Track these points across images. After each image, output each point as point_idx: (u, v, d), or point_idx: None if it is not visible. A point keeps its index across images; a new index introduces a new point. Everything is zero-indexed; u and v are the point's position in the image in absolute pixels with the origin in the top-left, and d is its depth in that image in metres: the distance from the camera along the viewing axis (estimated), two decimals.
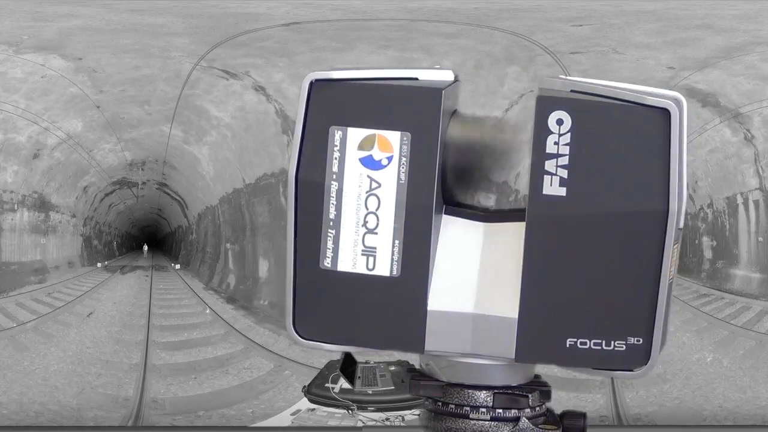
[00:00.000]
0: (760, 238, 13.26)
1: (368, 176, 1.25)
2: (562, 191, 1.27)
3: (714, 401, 8.63)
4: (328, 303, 1.26)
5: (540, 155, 1.27)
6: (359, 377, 2.88)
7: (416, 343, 1.26)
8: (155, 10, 9.57)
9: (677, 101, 1.33)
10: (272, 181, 13.22)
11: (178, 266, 18.62)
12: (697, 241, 16.10)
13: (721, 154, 13.61)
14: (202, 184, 15.75)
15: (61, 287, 14.52)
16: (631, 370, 1.32)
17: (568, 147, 1.27)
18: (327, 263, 1.28)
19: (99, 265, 17.53)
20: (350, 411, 2.76)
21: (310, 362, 10.12)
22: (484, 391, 1.29)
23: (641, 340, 1.32)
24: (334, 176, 1.28)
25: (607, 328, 1.30)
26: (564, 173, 1.27)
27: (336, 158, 1.28)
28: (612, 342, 1.30)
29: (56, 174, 14.02)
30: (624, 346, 1.31)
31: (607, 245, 1.29)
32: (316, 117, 1.32)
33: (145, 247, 21.95)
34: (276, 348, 11.08)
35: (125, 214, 19.43)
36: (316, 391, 2.84)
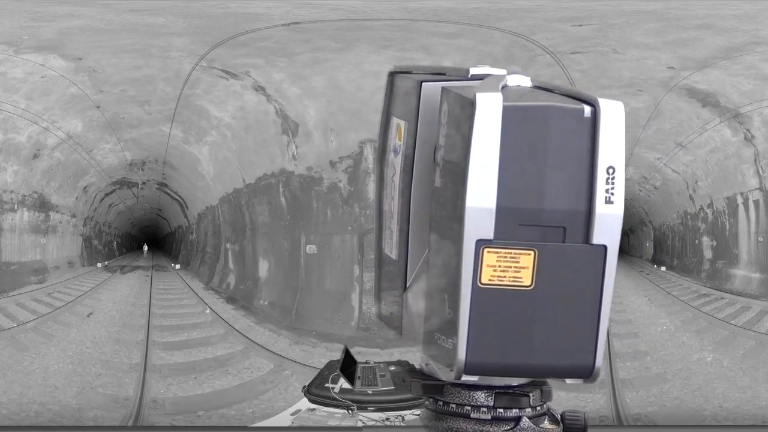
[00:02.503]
0: (760, 238, 13.27)
1: None
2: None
3: (714, 401, 8.63)
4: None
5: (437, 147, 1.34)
6: (359, 377, 2.88)
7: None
8: (155, 10, 9.56)
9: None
10: (272, 181, 13.21)
11: (178, 266, 18.62)
12: (697, 241, 16.10)
13: (721, 154, 13.61)
14: (202, 184, 15.75)
15: (61, 287, 14.53)
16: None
17: (445, 138, 1.33)
18: None
19: (99, 265, 17.54)
20: (350, 411, 2.75)
21: (310, 362, 10.13)
22: (485, 391, 1.29)
23: None
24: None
25: None
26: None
27: None
28: None
29: (56, 174, 14.03)
30: None
31: None
32: None
33: (145, 247, 21.97)
34: (276, 348, 11.08)
35: (125, 214, 19.44)
36: (316, 391, 2.84)
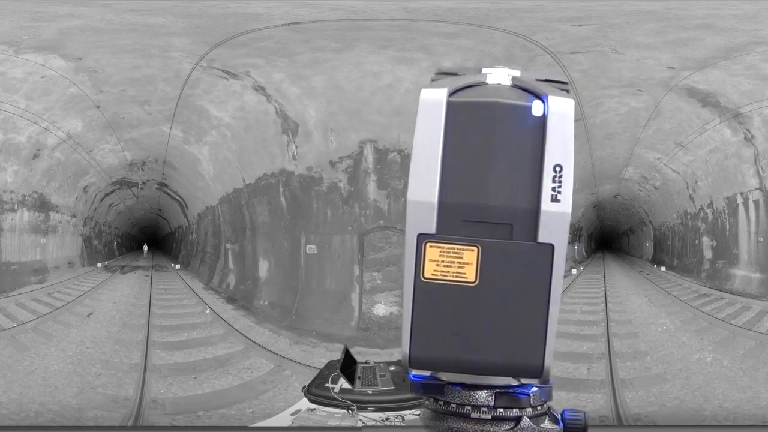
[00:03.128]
0: (760, 238, 13.27)
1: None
2: None
3: (714, 401, 8.63)
4: None
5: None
6: (359, 377, 2.88)
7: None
8: (155, 10, 9.56)
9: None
10: (272, 181, 13.21)
11: (178, 266, 18.63)
12: (697, 241, 16.10)
13: (721, 154, 13.61)
14: (202, 184, 15.75)
15: (61, 287, 14.53)
16: None
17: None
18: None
19: (99, 265, 17.54)
20: (350, 411, 2.75)
21: (310, 362, 10.13)
22: (486, 391, 1.29)
23: None
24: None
25: None
26: None
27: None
28: None
29: (56, 174, 14.03)
30: None
31: None
32: None
33: (145, 247, 21.98)
34: (276, 348, 11.08)
35: (125, 214, 19.45)
36: (316, 391, 2.84)
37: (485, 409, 1.30)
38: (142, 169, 15.21)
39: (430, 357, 1.26)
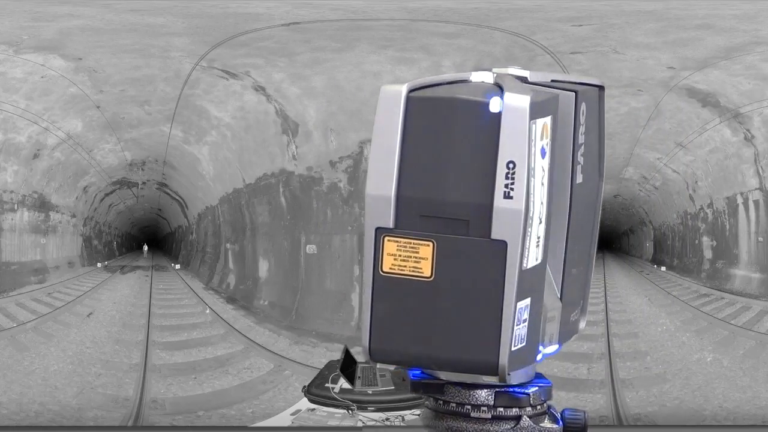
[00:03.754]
0: (760, 238, 13.27)
1: (542, 166, 1.26)
2: (581, 178, 1.33)
3: (714, 401, 8.63)
4: None
5: (576, 147, 1.32)
6: (359, 377, 2.88)
7: (537, 351, 1.30)
8: (155, 10, 9.56)
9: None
10: (272, 181, 13.21)
11: (178, 266, 18.63)
12: (697, 241, 16.10)
13: (721, 154, 13.61)
14: (202, 184, 15.76)
15: (61, 287, 14.53)
16: (579, 328, 1.42)
17: (584, 136, 1.33)
18: (525, 264, 1.25)
19: (99, 265, 17.54)
20: (350, 411, 2.76)
21: (310, 362, 10.13)
22: (485, 390, 1.29)
23: (582, 299, 1.42)
24: (532, 172, 1.24)
25: (577, 297, 1.41)
26: (581, 160, 1.33)
27: (532, 154, 1.26)
28: (577, 307, 1.41)
29: (56, 174, 14.03)
30: (578, 310, 1.41)
31: (586, 220, 1.38)
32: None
33: (145, 247, 21.97)
34: (276, 348, 11.08)
35: (125, 214, 19.44)
36: (316, 391, 2.84)
37: (485, 408, 1.30)
38: (142, 169, 15.21)
39: (390, 350, 1.27)
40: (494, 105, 1.21)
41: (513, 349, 1.24)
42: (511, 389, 1.31)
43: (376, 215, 1.24)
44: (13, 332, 10.90)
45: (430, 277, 1.23)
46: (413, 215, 1.23)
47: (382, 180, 1.24)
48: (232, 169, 13.87)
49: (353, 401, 2.83)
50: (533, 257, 1.25)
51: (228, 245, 15.33)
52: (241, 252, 14.69)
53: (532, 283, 1.25)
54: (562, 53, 10.26)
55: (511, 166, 1.20)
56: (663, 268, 18.44)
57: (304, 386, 2.97)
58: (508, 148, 1.20)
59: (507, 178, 1.20)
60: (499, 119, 1.21)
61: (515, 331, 1.24)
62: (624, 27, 9.82)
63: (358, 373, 2.90)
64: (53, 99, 11.77)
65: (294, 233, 12.62)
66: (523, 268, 1.23)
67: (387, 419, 2.70)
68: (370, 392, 2.81)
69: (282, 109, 11.76)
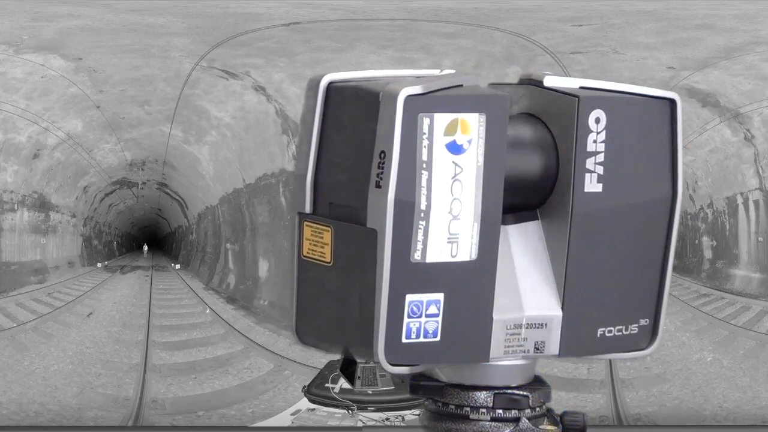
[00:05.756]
0: (760, 238, 13.26)
1: (453, 162, 1.27)
2: (599, 187, 1.31)
3: (714, 401, 8.63)
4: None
5: (582, 154, 1.30)
6: (359, 377, 2.88)
7: (483, 353, 1.28)
8: (155, 10, 9.57)
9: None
10: (272, 181, 13.22)
11: (178, 266, 18.62)
12: (697, 241, 16.09)
13: (721, 154, 13.61)
14: (202, 184, 15.75)
15: (61, 287, 14.52)
16: (641, 350, 1.36)
17: (603, 144, 1.31)
18: (417, 256, 1.25)
19: (99, 265, 17.53)
20: (350, 411, 2.76)
21: (310, 362, 10.12)
22: (484, 392, 1.29)
23: (648, 320, 1.37)
24: (424, 165, 1.26)
25: (626, 314, 1.35)
26: (600, 170, 1.31)
27: (425, 146, 1.26)
28: (629, 326, 1.35)
29: (56, 174, 14.03)
30: (636, 329, 1.35)
31: (631, 235, 1.35)
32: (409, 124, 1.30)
33: (145, 247, 21.95)
34: (276, 348, 11.07)
35: (125, 214, 19.43)
36: (316, 391, 2.84)
37: (484, 410, 1.30)
38: (142, 169, 15.20)
39: (311, 334, 1.30)
40: (384, 95, 1.23)
41: (406, 341, 1.23)
42: (510, 391, 1.31)
43: (299, 200, 1.28)
44: (13, 332, 10.90)
45: (330, 262, 1.26)
46: (325, 202, 1.26)
47: (303, 166, 1.27)
48: (232, 169, 13.87)
49: (353, 401, 2.83)
50: (436, 252, 1.24)
51: (228, 245, 15.33)
52: (241, 252, 14.70)
53: (438, 278, 1.24)
54: (562, 53, 10.26)
55: (382, 155, 1.21)
56: None
57: (304, 386, 2.97)
58: (380, 138, 1.21)
59: (378, 167, 1.21)
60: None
61: (409, 324, 1.23)
62: (624, 27, 9.83)
63: (358, 373, 2.90)
64: (53, 99, 11.78)
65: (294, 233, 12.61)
66: (412, 260, 1.23)
67: (387, 419, 2.70)
68: (370, 392, 2.81)
69: (282, 109, 11.76)
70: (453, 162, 1.25)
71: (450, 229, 1.24)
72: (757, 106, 11.73)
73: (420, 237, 1.23)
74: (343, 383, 2.89)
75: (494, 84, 1.32)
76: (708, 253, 15.56)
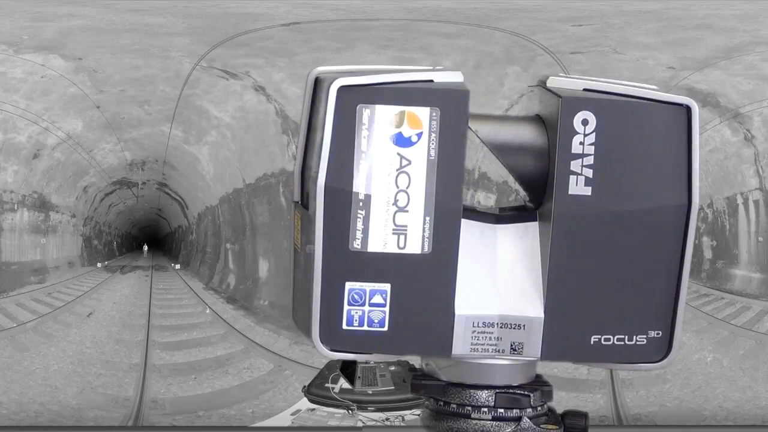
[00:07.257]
0: (760, 238, 13.26)
1: (398, 153, 1.29)
2: (587, 190, 1.29)
3: (714, 401, 8.64)
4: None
5: (565, 156, 1.29)
6: (359, 377, 2.88)
7: (444, 348, 1.27)
8: (155, 10, 9.57)
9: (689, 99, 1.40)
10: (272, 181, 13.21)
11: (178, 266, 18.62)
12: (697, 241, 16.09)
13: (721, 154, 13.61)
14: (202, 184, 15.75)
15: (61, 287, 14.51)
16: (653, 362, 1.35)
17: (593, 147, 1.29)
18: (357, 245, 1.26)
19: (99, 265, 17.52)
20: (350, 411, 2.76)
21: (310, 362, 10.12)
22: (486, 391, 1.29)
23: (661, 332, 1.34)
24: (363, 155, 1.26)
25: (629, 323, 1.32)
26: (589, 173, 1.29)
27: (364, 137, 1.30)
28: (634, 336, 1.32)
29: (56, 174, 14.02)
30: (645, 340, 1.33)
31: (631, 241, 1.31)
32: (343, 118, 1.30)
33: (145, 247, 21.95)
34: (276, 348, 11.07)
35: (125, 214, 19.44)
36: (316, 391, 2.85)
37: (485, 409, 1.30)
38: (142, 169, 15.21)
39: (299, 320, 1.35)
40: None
41: (347, 328, 1.25)
42: (512, 390, 1.31)
43: (295, 190, 1.34)
44: (13, 332, 10.91)
45: (300, 248, 1.32)
46: (307, 191, 1.30)
47: (298, 157, 1.32)
48: (232, 169, 13.88)
49: (353, 401, 2.83)
50: (379, 242, 1.25)
51: (228, 245, 15.34)
52: (241, 252, 14.70)
53: (383, 269, 1.25)
54: (562, 53, 10.26)
55: (319, 143, 1.25)
56: None
57: (304, 386, 2.98)
58: (319, 128, 1.25)
59: (317, 155, 1.25)
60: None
61: (351, 312, 1.25)
62: (624, 27, 9.83)
63: (358, 373, 2.90)
64: (53, 99, 11.78)
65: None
66: (351, 249, 1.24)
67: (387, 419, 2.70)
68: (370, 392, 2.81)
69: (282, 109, 11.76)
70: (398, 154, 1.25)
71: (396, 220, 1.25)
72: (757, 106, 11.73)
73: (359, 225, 1.24)
74: (343, 383, 2.89)
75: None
76: (708, 253, 15.56)
